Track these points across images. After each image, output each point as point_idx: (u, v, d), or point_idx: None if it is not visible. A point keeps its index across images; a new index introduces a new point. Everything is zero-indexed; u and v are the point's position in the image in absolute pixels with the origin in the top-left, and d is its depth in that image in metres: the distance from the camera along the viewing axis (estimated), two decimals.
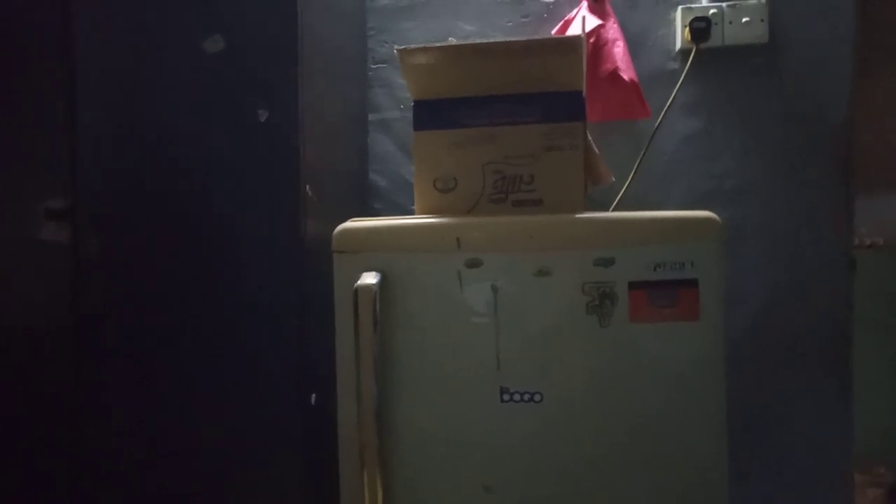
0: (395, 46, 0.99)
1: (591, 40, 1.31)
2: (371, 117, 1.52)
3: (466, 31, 1.46)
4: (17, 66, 1.13)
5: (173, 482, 1.09)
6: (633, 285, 0.89)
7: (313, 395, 1.07)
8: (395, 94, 1.50)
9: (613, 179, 1.25)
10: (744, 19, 1.34)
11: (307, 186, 1.07)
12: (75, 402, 1.11)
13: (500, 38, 1.38)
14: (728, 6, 1.34)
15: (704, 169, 1.39)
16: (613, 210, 1.35)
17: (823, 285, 1.35)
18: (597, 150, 1.18)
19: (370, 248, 0.94)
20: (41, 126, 1.12)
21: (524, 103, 1.00)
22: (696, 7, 1.35)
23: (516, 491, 0.91)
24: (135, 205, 1.09)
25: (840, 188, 1.35)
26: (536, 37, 1.22)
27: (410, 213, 1.36)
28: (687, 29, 1.34)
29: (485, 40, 1.16)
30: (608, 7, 1.35)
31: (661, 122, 1.33)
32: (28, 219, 1.11)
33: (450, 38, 1.45)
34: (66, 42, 1.10)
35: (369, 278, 0.90)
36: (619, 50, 1.32)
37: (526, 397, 0.90)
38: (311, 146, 1.09)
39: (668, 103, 1.33)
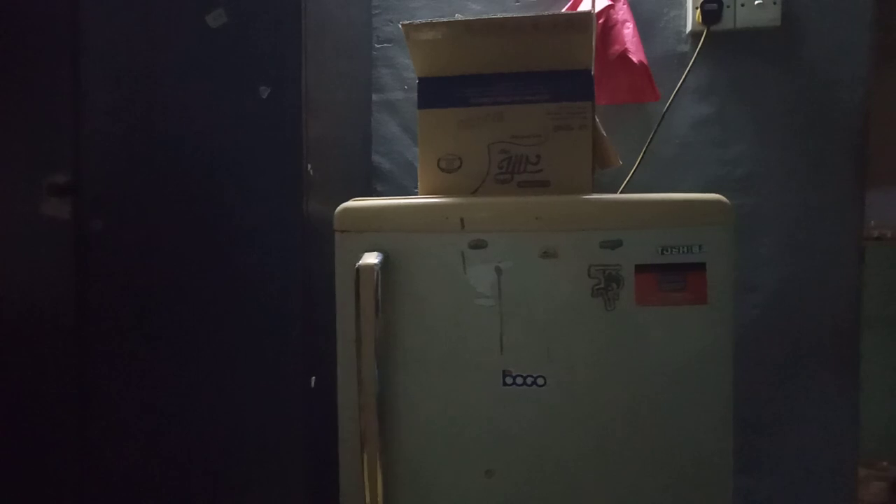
0: (401, 22, 0.97)
1: (601, 21, 1.28)
2: (375, 98, 1.49)
3: (474, 10, 1.44)
4: (21, 36, 1.11)
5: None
6: (640, 268, 0.87)
7: (313, 378, 1.05)
8: (400, 74, 1.48)
9: (621, 163, 1.23)
10: (756, 2, 1.31)
11: (308, 165, 1.05)
12: (77, 389, 1.10)
13: None
14: None
15: (714, 155, 1.36)
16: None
17: (833, 277, 1.33)
18: (604, 133, 1.16)
19: (372, 228, 0.92)
20: (45, 99, 1.10)
21: (532, 82, 0.98)
22: None
23: (518, 475, 0.90)
24: (135, 181, 1.07)
25: (853, 178, 1.32)
26: (547, 12, 1.19)
27: (414, 195, 1.34)
28: (698, 11, 1.31)
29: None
30: None
31: (670, 105, 1.31)
32: (30, 195, 1.10)
33: (457, 15, 1.42)
34: (71, 12, 1.08)
35: (371, 258, 0.88)
36: (628, 31, 1.29)
37: (529, 381, 0.89)
38: (313, 124, 1.06)
39: (677, 86, 1.30)
